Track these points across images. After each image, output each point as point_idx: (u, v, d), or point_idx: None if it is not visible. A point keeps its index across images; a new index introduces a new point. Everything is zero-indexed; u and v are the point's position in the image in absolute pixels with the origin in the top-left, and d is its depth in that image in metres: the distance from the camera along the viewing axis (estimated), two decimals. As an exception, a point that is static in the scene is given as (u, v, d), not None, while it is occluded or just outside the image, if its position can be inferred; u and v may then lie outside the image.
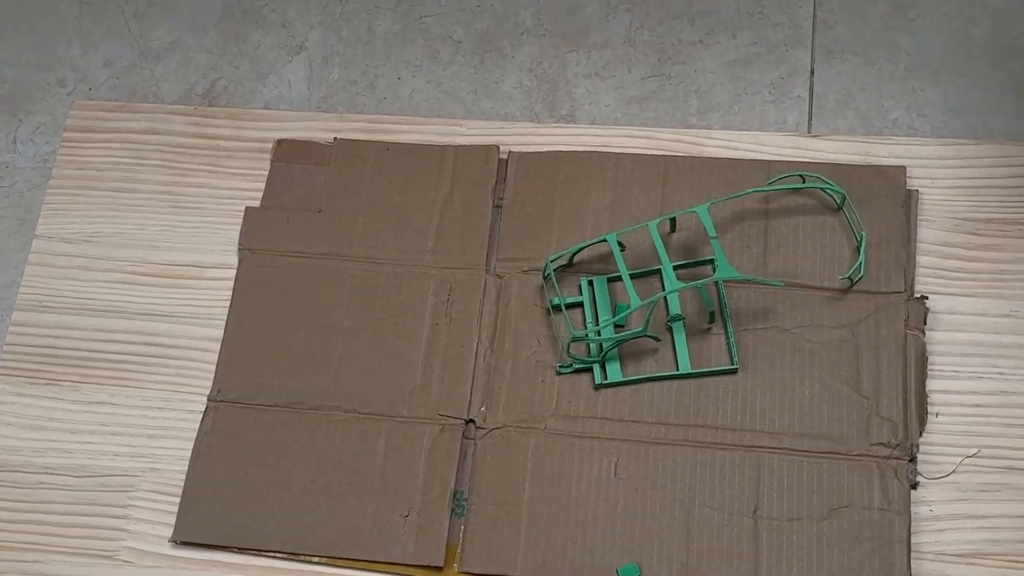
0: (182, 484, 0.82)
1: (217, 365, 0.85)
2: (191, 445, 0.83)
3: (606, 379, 0.81)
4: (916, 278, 0.83)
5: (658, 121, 0.92)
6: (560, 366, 0.82)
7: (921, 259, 0.84)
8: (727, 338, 0.82)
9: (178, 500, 0.81)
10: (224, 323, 0.87)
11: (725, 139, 0.90)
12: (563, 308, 0.82)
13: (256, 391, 0.84)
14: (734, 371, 0.81)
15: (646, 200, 0.87)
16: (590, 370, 0.82)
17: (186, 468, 0.82)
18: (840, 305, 0.82)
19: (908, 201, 0.85)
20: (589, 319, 0.84)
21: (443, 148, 0.91)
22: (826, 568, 0.76)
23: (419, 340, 0.85)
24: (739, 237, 0.85)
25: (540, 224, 0.88)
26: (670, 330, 0.83)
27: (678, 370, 0.81)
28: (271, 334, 0.86)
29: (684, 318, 0.82)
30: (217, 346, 0.86)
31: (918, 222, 0.85)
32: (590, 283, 0.85)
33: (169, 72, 0.98)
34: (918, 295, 0.82)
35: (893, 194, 0.85)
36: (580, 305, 0.85)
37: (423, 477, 0.80)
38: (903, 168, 0.86)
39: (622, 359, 0.82)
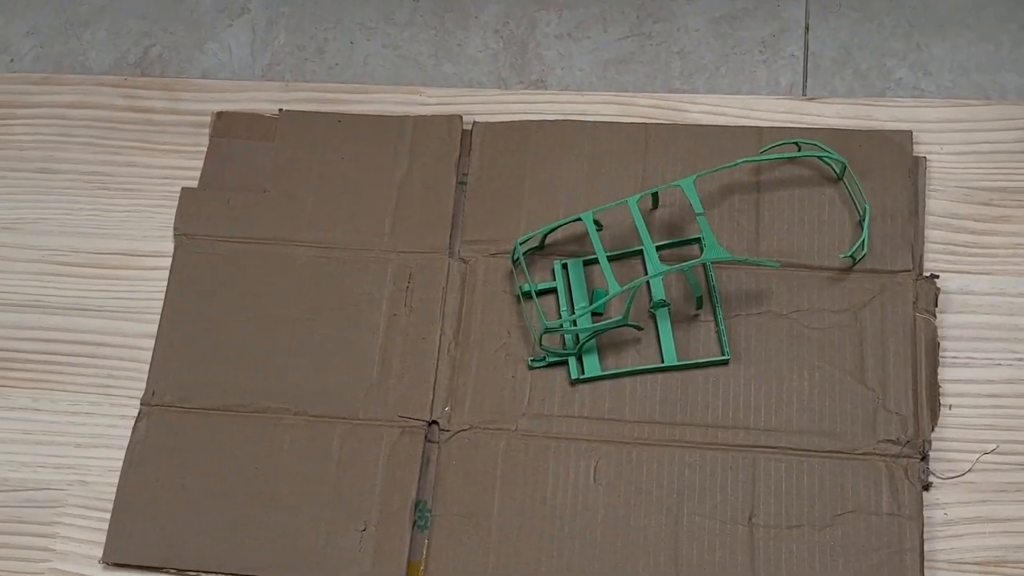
0: (113, 498, 0.74)
1: (151, 365, 0.77)
2: (123, 455, 0.75)
3: (583, 373, 0.74)
4: (925, 255, 0.76)
5: (638, 86, 0.84)
6: (532, 360, 0.74)
7: (930, 233, 0.76)
8: (717, 325, 0.74)
9: (109, 516, 0.73)
10: (159, 317, 0.78)
11: (712, 104, 0.82)
12: (534, 295, 0.74)
13: (194, 393, 0.76)
14: (725, 362, 0.73)
15: (625, 173, 0.79)
16: (565, 364, 0.74)
17: (117, 480, 0.74)
18: (841, 286, 0.74)
19: (915, 169, 0.78)
20: (564, 307, 0.76)
21: (401, 119, 0.83)
22: (830, 581, 0.68)
23: (376, 333, 0.77)
24: (728, 213, 0.77)
25: (509, 202, 0.79)
26: (653, 318, 0.75)
27: (663, 362, 0.74)
28: (211, 329, 0.78)
29: (669, 304, 0.74)
30: (151, 343, 0.78)
31: (926, 192, 0.77)
32: (564, 267, 0.77)
33: (98, 40, 0.89)
34: (928, 274, 0.75)
35: (898, 162, 0.77)
36: (554, 291, 0.77)
37: (381, 486, 0.72)
38: (909, 133, 0.78)
39: (601, 351, 0.74)
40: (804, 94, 0.83)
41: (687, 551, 0.69)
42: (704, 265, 0.75)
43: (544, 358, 0.74)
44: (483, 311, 0.77)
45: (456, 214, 0.80)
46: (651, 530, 0.70)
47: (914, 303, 0.74)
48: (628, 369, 0.74)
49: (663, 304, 0.74)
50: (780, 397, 0.73)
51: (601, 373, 0.74)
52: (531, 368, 0.75)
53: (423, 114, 0.83)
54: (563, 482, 0.72)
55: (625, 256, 0.77)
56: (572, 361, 0.74)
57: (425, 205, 0.80)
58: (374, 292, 0.78)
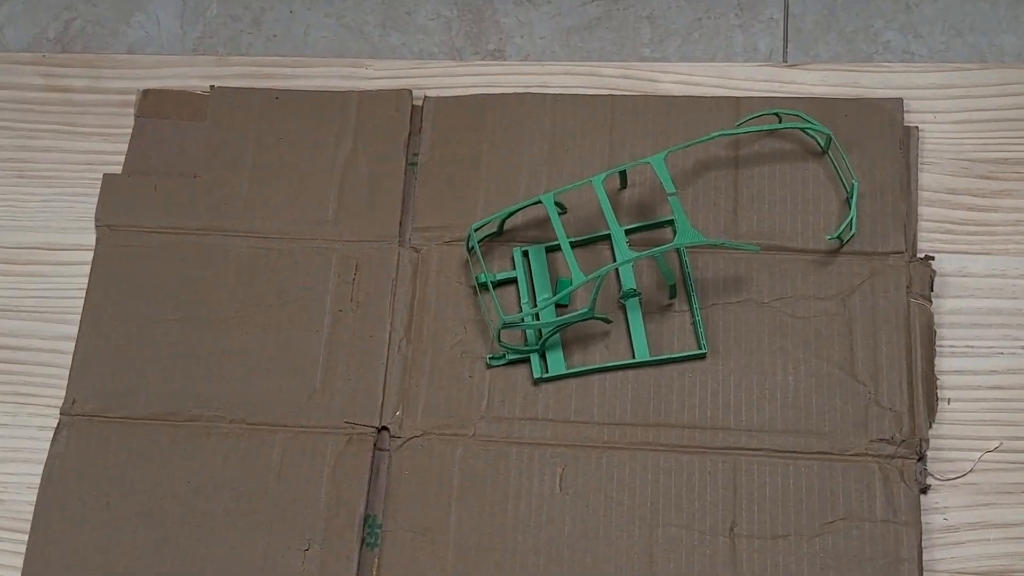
0: (31, 518, 0.67)
1: (71, 370, 0.70)
2: (41, 470, 0.68)
3: (547, 372, 0.67)
4: (919, 234, 0.69)
5: (604, 54, 0.78)
6: (491, 357, 0.68)
7: (924, 211, 0.70)
8: (692, 316, 0.67)
9: (27, 538, 0.66)
10: (79, 318, 0.71)
11: (684, 73, 0.75)
12: (491, 287, 0.67)
13: (119, 401, 0.69)
14: (702, 356, 0.67)
15: (591, 151, 0.73)
16: (527, 361, 0.68)
17: (35, 498, 0.67)
18: (828, 271, 0.68)
19: (906, 140, 0.71)
20: (525, 299, 0.69)
21: (344, 95, 0.76)
22: (820, 596, 0.62)
23: (319, 331, 0.70)
24: (704, 192, 0.71)
25: (464, 184, 0.73)
26: (623, 309, 0.68)
27: (634, 357, 0.67)
28: (137, 330, 0.71)
29: (640, 294, 0.68)
30: (71, 347, 0.71)
31: (919, 166, 0.71)
32: (525, 255, 0.70)
33: (15, 14, 0.82)
34: (922, 255, 0.69)
35: (888, 133, 0.71)
36: (514, 282, 0.70)
37: (326, 500, 0.66)
38: (899, 101, 0.72)
39: (566, 346, 0.68)
40: (785, 60, 0.77)
41: (663, 565, 0.63)
42: (678, 250, 0.69)
43: (503, 356, 0.68)
44: (437, 305, 0.70)
45: (406, 198, 0.73)
46: (623, 543, 0.64)
47: (908, 288, 0.67)
48: (596, 366, 0.67)
49: (633, 294, 0.68)
50: (762, 394, 0.66)
51: (566, 371, 0.67)
52: (490, 367, 0.68)
53: (369, 89, 0.76)
54: (526, 491, 0.65)
55: (591, 242, 0.71)
56: (534, 359, 0.67)
57: (372, 189, 0.73)
58: (317, 286, 0.71)
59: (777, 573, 0.63)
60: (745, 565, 0.63)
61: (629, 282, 0.68)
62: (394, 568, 0.64)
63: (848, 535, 0.63)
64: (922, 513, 0.63)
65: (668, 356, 0.67)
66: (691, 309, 0.68)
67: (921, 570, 0.62)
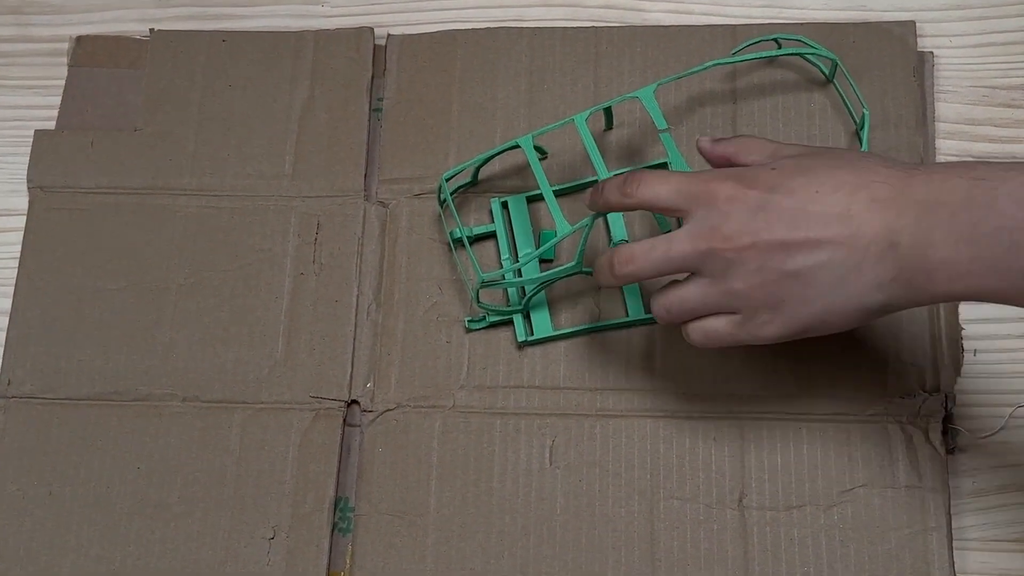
0: (-34, 513, 0.60)
1: (4, 347, 0.63)
2: (-25, 459, 0.61)
3: (532, 335, 0.61)
4: (937, 170, 0.63)
5: (584, -18, 0.70)
6: (469, 320, 0.61)
7: (942, 144, 0.64)
8: None
9: (-39, 535, 0.60)
10: (12, 290, 0.64)
11: (674, 1, 0.68)
12: (467, 242, 0.60)
13: (59, 380, 0.62)
14: None
15: (573, 89, 0.66)
16: (510, 324, 0.61)
17: (-30, 491, 0.61)
18: (839, 213, 0.61)
19: (921, 67, 0.65)
20: (505, 255, 0.63)
21: (299, 35, 0.68)
22: (840, 571, 0.56)
23: (279, 297, 0.63)
24: (699, 128, 0.64)
25: (434, 130, 0.66)
26: None
27: (627, 316, 0.61)
28: (77, 302, 0.64)
29: None
30: (5, 322, 0.64)
31: (935, 94, 0.64)
32: (504, 206, 0.64)
33: (-68, -43, 0.74)
34: (941, 193, 0.62)
35: (900, 59, 0.64)
36: (492, 236, 0.63)
37: (292, 483, 0.60)
38: (912, 24, 0.65)
39: (552, 306, 0.62)
40: (784, -17, 0.69)
41: (666, 543, 0.57)
42: None
43: (484, 318, 0.61)
44: (408, 264, 0.63)
45: (371, 148, 0.66)
46: (621, 520, 0.58)
47: (927, 229, 0.61)
48: (585, 327, 0.61)
49: None
50: (770, 351, 0.60)
51: (553, 333, 0.61)
52: (469, 331, 0.61)
53: (326, 28, 0.69)
54: (512, 467, 0.59)
55: (576, 189, 0.64)
56: (518, 320, 0.61)
57: (333, 139, 0.66)
58: (275, 247, 0.64)
59: (792, 547, 0.57)
60: (756, 539, 0.57)
61: (620, 232, 0.62)
62: (369, 555, 0.58)
63: (869, 504, 0.57)
64: (949, 477, 0.57)
65: None
66: None
67: (951, 539, 0.56)
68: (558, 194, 0.62)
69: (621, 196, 0.51)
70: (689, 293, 0.50)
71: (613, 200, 0.51)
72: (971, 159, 0.63)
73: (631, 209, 0.51)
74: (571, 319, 0.62)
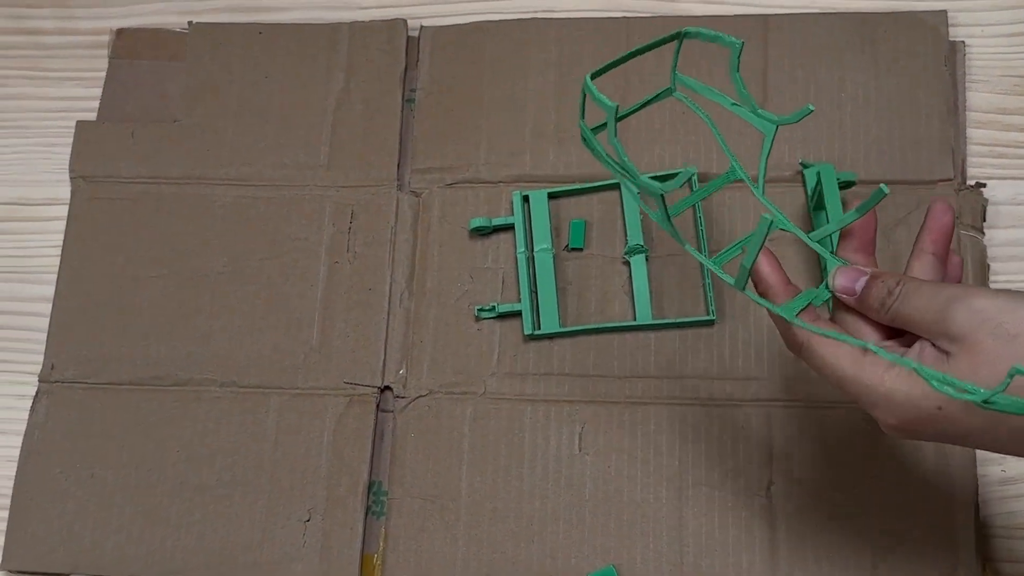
0: (11, 494, 0.62)
1: (49, 334, 0.65)
2: (20, 441, 0.63)
3: (539, 329, 0.61)
4: (968, 160, 0.63)
5: (615, -27, 0.70)
6: (479, 309, 0.62)
7: (974, 134, 0.63)
8: (703, 277, 0.62)
9: (7, 515, 0.62)
10: (56, 277, 0.66)
11: (705, -9, 0.68)
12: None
13: (101, 366, 0.64)
14: (709, 323, 0.61)
15: (603, 80, 0.65)
16: (519, 316, 0.62)
17: (15, 472, 0.62)
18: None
19: (952, 57, 0.64)
20: (522, 247, 0.62)
21: (334, 27, 0.69)
22: (868, 556, 0.56)
23: (314, 285, 0.64)
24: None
25: (466, 121, 0.66)
26: (627, 265, 0.62)
27: (635, 319, 0.61)
28: (118, 288, 0.65)
29: (647, 250, 0.62)
30: (48, 308, 0.65)
31: (966, 84, 0.64)
32: (525, 199, 0.64)
33: (-22, -48, 0.75)
34: (972, 182, 0.62)
35: (932, 49, 0.64)
36: (510, 228, 0.64)
37: (327, 467, 0.61)
38: (943, 13, 0.65)
39: (562, 295, 0.62)
40: (815, -27, 0.69)
41: (694, 528, 0.58)
42: (695, 205, 0.61)
43: (493, 307, 0.62)
44: (440, 253, 0.64)
45: (404, 138, 0.67)
46: (650, 505, 0.58)
47: (957, 218, 0.61)
48: (593, 326, 0.61)
49: (640, 250, 0.61)
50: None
51: (560, 329, 0.61)
52: (479, 319, 0.62)
53: (360, 20, 0.70)
54: (542, 453, 0.60)
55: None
56: (526, 313, 0.61)
57: (367, 129, 0.67)
58: (310, 236, 0.65)
59: (819, 533, 0.57)
60: (783, 525, 0.57)
61: (636, 236, 0.62)
62: (402, 538, 0.59)
63: (896, 489, 0.57)
64: (977, 464, 0.58)
65: (673, 320, 0.60)
66: (702, 270, 0.61)
67: (977, 526, 0.56)
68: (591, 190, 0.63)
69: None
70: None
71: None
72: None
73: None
74: (576, 317, 0.62)
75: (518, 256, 0.62)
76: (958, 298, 0.42)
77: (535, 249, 0.62)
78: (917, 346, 0.43)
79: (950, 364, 0.41)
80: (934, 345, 0.42)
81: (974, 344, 0.41)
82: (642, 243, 0.61)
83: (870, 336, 0.46)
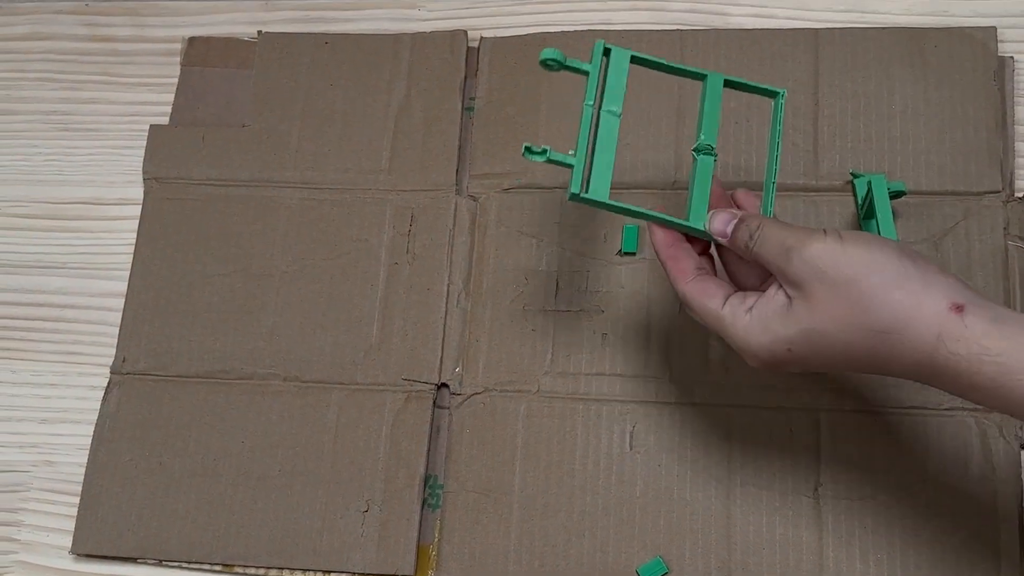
0: (83, 480, 0.65)
1: (121, 328, 0.68)
2: (92, 430, 0.66)
3: (586, 191, 0.52)
4: (1016, 172, 0.64)
5: (670, -13, 0.72)
6: (526, 147, 0.52)
7: (1021, 147, 0.65)
8: (765, 191, 0.54)
9: (78, 501, 0.64)
10: (128, 274, 0.69)
11: (757, 5, 0.70)
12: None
13: (170, 359, 0.66)
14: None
15: (657, 91, 0.68)
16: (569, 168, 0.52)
17: (87, 460, 0.65)
18: (919, 212, 0.63)
19: (1001, 72, 0.66)
20: (589, 100, 0.53)
21: (397, 38, 0.72)
22: (912, 559, 0.58)
23: (375, 284, 0.66)
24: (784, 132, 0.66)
25: (523, 128, 0.69)
26: (693, 162, 0.54)
27: (687, 220, 0.52)
28: (188, 285, 0.68)
29: (716, 154, 0.54)
30: (121, 303, 0.68)
31: (1015, 98, 0.65)
32: (606, 53, 0.55)
33: (56, -37, 0.79)
34: (1020, 194, 0.63)
35: (981, 64, 0.65)
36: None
37: (385, 460, 0.63)
38: (992, 29, 0.66)
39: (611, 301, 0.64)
40: (866, -12, 0.71)
41: (742, 528, 0.59)
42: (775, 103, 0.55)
43: (545, 151, 0.52)
44: (496, 255, 0.66)
45: (463, 145, 0.69)
46: (699, 504, 0.60)
47: (1005, 229, 0.62)
48: (640, 209, 0.52)
49: (709, 151, 0.53)
50: (847, 345, 0.62)
51: (606, 200, 0.52)
52: (526, 156, 0.52)
53: (422, 31, 0.72)
54: (594, 450, 0.62)
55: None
56: (577, 171, 0.52)
57: (427, 136, 0.69)
58: (371, 238, 0.68)
59: (865, 535, 0.58)
60: (831, 527, 0.59)
61: (711, 137, 0.53)
62: (456, 530, 0.61)
63: (941, 494, 0.58)
64: (1022, 471, 0.59)
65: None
66: (767, 194, 0.54)
67: (1021, 530, 0.57)
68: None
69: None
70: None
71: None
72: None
73: None
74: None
75: (584, 107, 0.53)
76: (794, 247, 0.46)
77: (603, 108, 0.54)
78: (771, 290, 0.47)
79: (792, 309, 0.45)
80: (784, 290, 0.46)
81: (808, 292, 0.45)
82: (713, 144, 0.54)
83: (753, 279, 0.50)
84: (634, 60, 0.55)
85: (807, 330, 0.45)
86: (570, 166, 0.52)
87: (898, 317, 0.43)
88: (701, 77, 0.55)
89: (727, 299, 0.49)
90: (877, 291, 0.44)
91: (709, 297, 0.49)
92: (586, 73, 0.54)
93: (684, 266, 0.51)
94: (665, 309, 0.64)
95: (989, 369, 0.42)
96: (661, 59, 0.55)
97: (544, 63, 0.54)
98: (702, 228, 0.52)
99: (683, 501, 0.60)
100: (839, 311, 0.44)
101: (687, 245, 0.52)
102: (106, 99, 0.74)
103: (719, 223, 0.50)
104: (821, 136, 0.65)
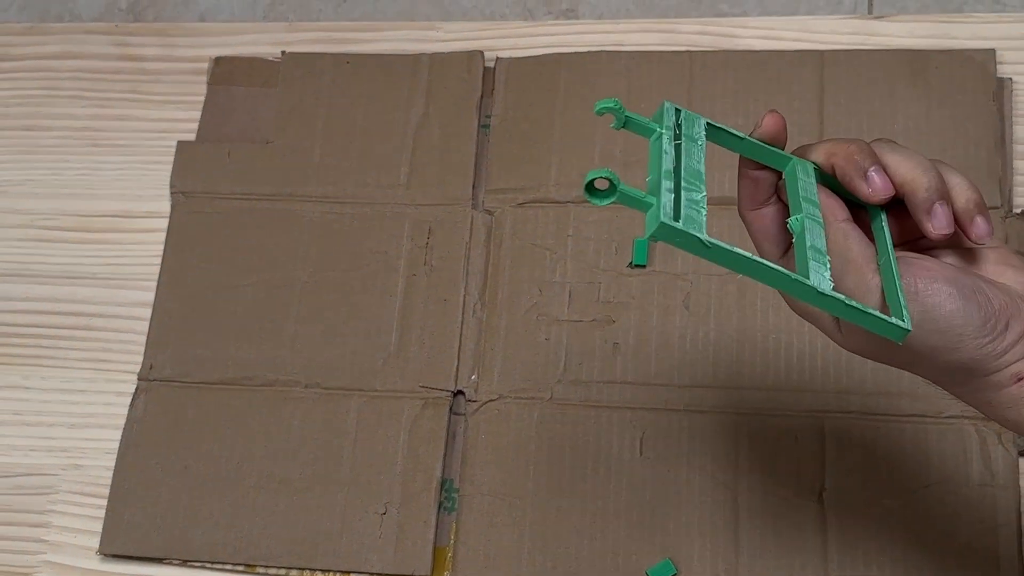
0: (110, 483, 0.67)
1: (148, 336, 0.70)
2: (120, 435, 0.68)
3: (678, 220, 0.39)
4: (1015, 189, 0.66)
5: (680, 10, 0.75)
6: (589, 178, 0.41)
7: (1020, 164, 0.67)
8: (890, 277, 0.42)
9: (105, 503, 0.66)
10: (156, 284, 0.71)
11: (765, 28, 0.72)
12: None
13: (196, 366, 0.69)
14: (903, 332, 0.41)
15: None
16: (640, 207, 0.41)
17: (114, 463, 0.67)
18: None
19: (1000, 92, 0.68)
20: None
21: (415, 58, 0.74)
22: (913, 563, 0.59)
23: (393, 295, 0.69)
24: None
25: (537, 145, 0.71)
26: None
27: (808, 278, 0.41)
28: (212, 295, 0.70)
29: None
30: (148, 313, 0.71)
31: (1013, 119, 0.68)
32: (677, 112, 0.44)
33: (88, -15, 0.82)
34: (1018, 211, 0.65)
35: (981, 85, 0.68)
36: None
37: (403, 464, 0.65)
38: (992, 52, 0.69)
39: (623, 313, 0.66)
40: (870, 12, 0.74)
41: (748, 532, 0.61)
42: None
43: (614, 187, 0.40)
44: (511, 267, 0.69)
45: (479, 161, 0.72)
46: (707, 508, 0.62)
47: (1005, 244, 0.64)
48: (744, 254, 0.40)
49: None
50: (850, 353, 0.63)
51: (702, 236, 0.39)
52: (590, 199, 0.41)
53: (440, 51, 0.75)
54: (605, 456, 0.64)
55: None
56: (666, 197, 0.40)
57: (444, 152, 0.72)
58: (390, 250, 0.70)
59: (868, 539, 0.60)
60: (835, 531, 0.61)
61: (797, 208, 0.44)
62: (472, 532, 0.63)
63: (942, 500, 0.60)
64: (1020, 477, 0.61)
65: (862, 308, 0.41)
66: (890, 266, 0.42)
67: (1020, 536, 0.59)
68: None
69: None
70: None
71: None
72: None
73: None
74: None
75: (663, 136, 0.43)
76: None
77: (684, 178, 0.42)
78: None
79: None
80: None
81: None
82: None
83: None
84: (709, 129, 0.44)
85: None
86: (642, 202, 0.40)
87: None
88: (784, 162, 0.46)
89: None
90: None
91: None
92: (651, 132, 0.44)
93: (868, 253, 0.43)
94: (674, 319, 0.66)
95: None
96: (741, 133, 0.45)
97: (603, 111, 0.44)
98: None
99: (691, 505, 0.62)
100: None
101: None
102: (135, 116, 0.76)
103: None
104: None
